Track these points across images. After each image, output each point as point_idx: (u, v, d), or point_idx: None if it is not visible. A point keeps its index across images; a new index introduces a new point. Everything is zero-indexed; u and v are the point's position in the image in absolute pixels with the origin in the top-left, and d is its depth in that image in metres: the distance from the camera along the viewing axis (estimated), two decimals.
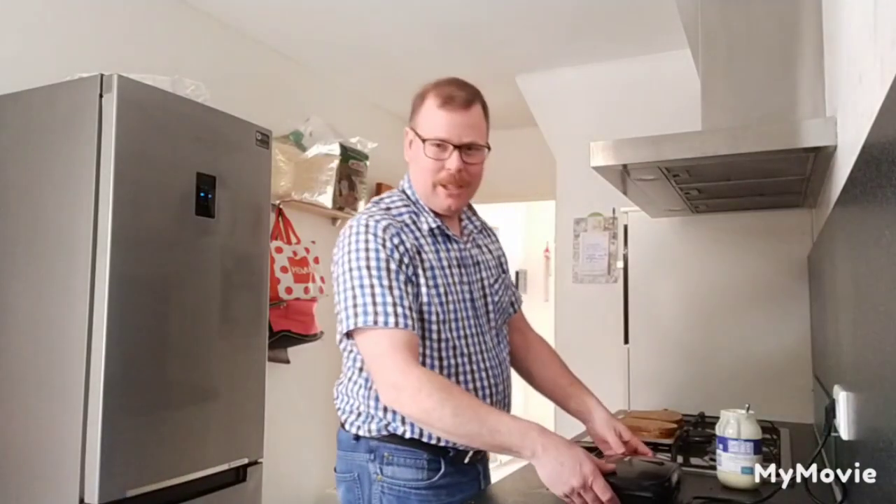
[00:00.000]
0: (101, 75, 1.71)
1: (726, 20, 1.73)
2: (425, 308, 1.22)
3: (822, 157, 1.42)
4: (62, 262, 1.72)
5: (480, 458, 1.37)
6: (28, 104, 1.84)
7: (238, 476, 2.00)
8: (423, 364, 1.22)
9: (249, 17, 2.78)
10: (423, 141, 1.25)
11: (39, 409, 1.72)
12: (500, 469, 2.33)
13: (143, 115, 1.76)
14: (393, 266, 1.18)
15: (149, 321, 1.76)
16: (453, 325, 1.25)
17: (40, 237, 1.77)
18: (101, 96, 1.69)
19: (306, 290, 2.83)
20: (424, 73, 3.48)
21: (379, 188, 3.67)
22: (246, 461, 2.03)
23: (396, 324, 1.14)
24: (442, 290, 1.24)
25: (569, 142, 3.31)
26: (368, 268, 1.17)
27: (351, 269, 1.19)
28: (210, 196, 1.94)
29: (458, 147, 1.24)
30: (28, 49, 2.10)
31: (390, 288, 1.16)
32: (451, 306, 1.25)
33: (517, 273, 5.98)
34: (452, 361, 1.25)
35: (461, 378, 1.26)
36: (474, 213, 1.44)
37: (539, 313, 5.89)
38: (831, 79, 1.48)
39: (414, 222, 1.28)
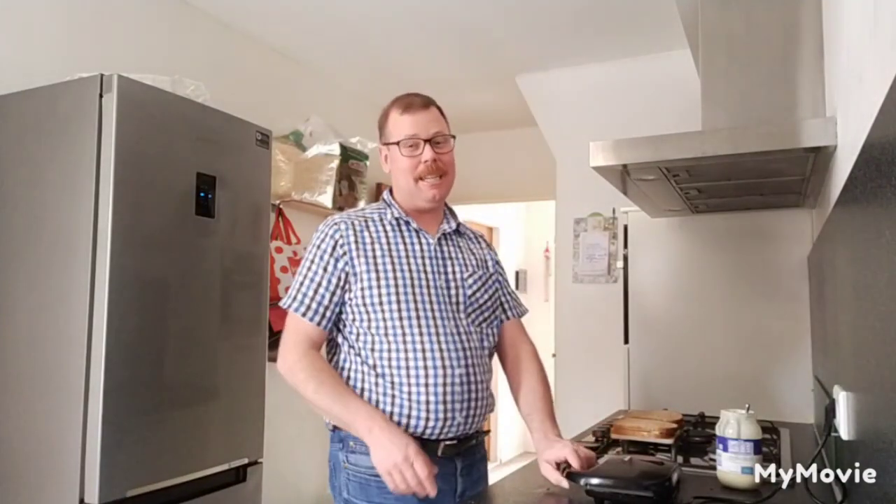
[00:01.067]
0: (101, 75, 1.71)
1: (726, 20, 1.73)
2: (367, 292, 1.35)
3: (822, 157, 1.42)
4: (62, 261, 1.72)
5: (460, 452, 1.37)
6: (28, 104, 1.84)
7: (238, 476, 2.00)
8: (372, 339, 1.36)
9: (249, 17, 2.78)
10: (398, 144, 1.41)
11: (39, 409, 1.72)
12: (499, 469, 2.33)
13: (143, 115, 1.76)
14: (326, 258, 1.37)
15: (149, 321, 1.76)
16: (403, 305, 1.35)
17: (41, 237, 1.77)
18: (101, 96, 1.69)
19: None
20: (424, 73, 3.47)
21: (379, 188, 3.67)
22: (246, 461, 2.02)
23: (305, 314, 1.36)
24: (391, 275, 1.36)
25: (569, 142, 3.31)
26: (312, 261, 1.38)
27: (303, 259, 1.41)
28: (210, 196, 1.93)
29: (428, 140, 1.40)
30: (28, 49, 2.10)
31: (318, 284, 1.36)
32: (402, 289, 1.36)
33: (517, 273, 5.97)
34: (401, 337, 1.34)
35: (410, 354, 1.33)
36: (454, 217, 1.54)
37: (539, 313, 5.88)
38: (831, 79, 1.48)
39: (381, 218, 1.44)
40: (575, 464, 1.24)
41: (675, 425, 1.64)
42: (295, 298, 1.37)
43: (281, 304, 1.40)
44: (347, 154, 3.07)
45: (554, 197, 3.44)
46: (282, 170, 2.88)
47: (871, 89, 0.86)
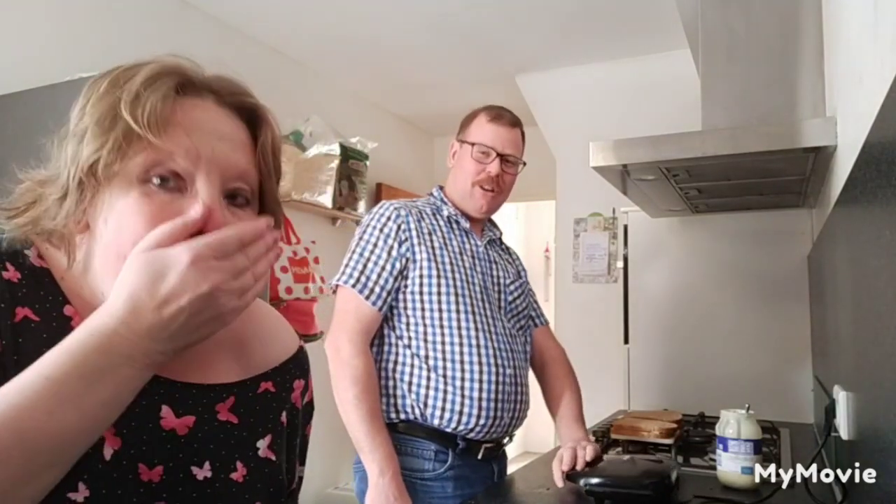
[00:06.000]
0: None
1: (726, 20, 1.73)
2: (425, 280, 1.34)
3: (822, 157, 1.42)
4: None
5: (496, 455, 1.41)
6: (28, 104, 1.84)
7: None
8: (425, 329, 1.33)
9: (249, 17, 2.78)
10: (472, 146, 1.44)
11: None
12: None
13: None
14: (390, 242, 1.35)
15: None
16: (461, 299, 1.34)
17: None
18: None
19: (306, 290, 2.82)
20: (425, 73, 3.49)
21: (379, 188, 3.67)
22: None
23: (369, 297, 1.31)
24: (449, 267, 1.36)
25: (569, 142, 3.31)
26: (374, 244, 1.35)
27: (358, 239, 1.38)
28: None
29: (501, 156, 1.43)
30: (28, 49, 2.10)
31: (382, 268, 1.34)
32: (459, 283, 1.35)
33: None
34: (456, 329, 1.32)
35: (465, 349, 1.31)
36: (496, 227, 1.59)
37: None
38: (831, 79, 1.48)
39: (434, 213, 1.45)
40: (567, 462, 1.27)
41: (675, 425, 1.64)
42: (358, 280, 1.32)
43: (336, 280, 1.35)
44: (347, 154, 3.07)
45: (554, 197, 3.44)
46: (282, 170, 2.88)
47: (871, 90, 0.86)
